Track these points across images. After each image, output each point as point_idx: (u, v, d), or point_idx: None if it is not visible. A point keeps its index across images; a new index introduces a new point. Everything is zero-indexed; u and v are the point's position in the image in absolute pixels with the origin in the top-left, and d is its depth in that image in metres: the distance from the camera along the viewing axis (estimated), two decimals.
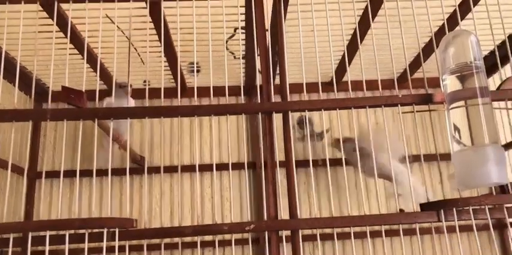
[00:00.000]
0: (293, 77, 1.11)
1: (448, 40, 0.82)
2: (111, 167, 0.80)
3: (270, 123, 0.83)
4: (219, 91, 0.85)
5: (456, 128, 0.79)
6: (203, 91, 0.95)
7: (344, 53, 1.21)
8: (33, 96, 1.32)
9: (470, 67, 0.78)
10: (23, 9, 0.87)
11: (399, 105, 0.83)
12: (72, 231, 0.70)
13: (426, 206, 0.79)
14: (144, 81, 1.38)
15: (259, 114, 0.82)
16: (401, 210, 1.33)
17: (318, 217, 0.76)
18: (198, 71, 1.36)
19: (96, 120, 0.81)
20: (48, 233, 0.69)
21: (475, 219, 0.76)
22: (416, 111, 0.84)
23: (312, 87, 0.88)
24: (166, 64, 1.23)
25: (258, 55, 0.93)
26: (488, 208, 0.76)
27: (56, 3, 0.86)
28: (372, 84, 0.88)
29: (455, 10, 0.98)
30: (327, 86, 1.39)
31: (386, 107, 0.83)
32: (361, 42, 1.01)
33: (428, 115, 0.89)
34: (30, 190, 1.28)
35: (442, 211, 0.77)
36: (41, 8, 0.89)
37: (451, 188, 0.87)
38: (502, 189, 0.79)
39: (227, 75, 0.85)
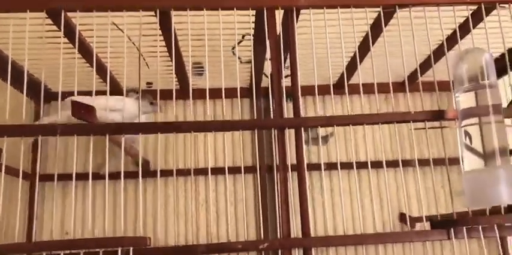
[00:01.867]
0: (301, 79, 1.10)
1: (461, 56, 0.81)
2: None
3: (282, 138, 0.82)
4: (225, 92, 0.87)
5: (468, 146, 0.79)
6: (209, 93, 0.94)
7: (355, 54, 1.20)
8: (42, 103, 1.31)
9: (483, 85, 0.78)
10: (28, 16, 0.85)
11: (411, 122, 0.83)
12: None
13: (437, 224, 0.79)
14: (148, 83, 1.37)
15: (273, 129, 0.82)
16: (402, 214, 1.34)
17: (331, 235, 0.76)
18: (202, 74, 1.34)
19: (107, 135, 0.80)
20: (62, 253, 0.69)
21: (484, 237, 0.77)
22: (429, 128, 0.84)
23: (321, 89, 0.88)
24: (171, 67, 1.21)
25: (269, 59, 0.92)
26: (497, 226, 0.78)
27: (62, 12, 0.84)
28: (383, 87, 0.88)
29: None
30: (336, 88, 1.38)
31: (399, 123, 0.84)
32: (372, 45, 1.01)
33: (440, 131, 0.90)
34: (35, 195, 1.27)
35: (452, 229, 0.78)
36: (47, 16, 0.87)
37: (460, 204, 0.87)
38: (510, 207, 0.80)
39: (234, 77, 0.84)
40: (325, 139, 1.40)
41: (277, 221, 0.77)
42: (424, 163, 0.90)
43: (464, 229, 0.78)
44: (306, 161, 0.80)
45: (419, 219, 1.04)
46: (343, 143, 1.39)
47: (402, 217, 1.33)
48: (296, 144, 0.82)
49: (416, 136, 0.91)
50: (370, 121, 0.83)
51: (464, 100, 0.80)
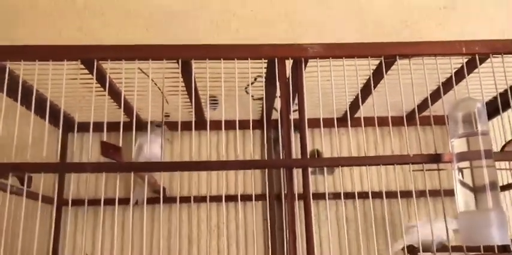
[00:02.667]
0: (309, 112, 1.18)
1: (455, 105, 0.89)
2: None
3: (290, 177, 0.90)
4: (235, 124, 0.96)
5: (462, 188, 0.86)
6: (221, 125, 1.02)
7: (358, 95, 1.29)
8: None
9: (476, 132, 0.86)
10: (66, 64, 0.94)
11: (410, 164, 0.91)
12: None
13: None
14: (166, 115, 1.46)
15: (282, 169, 0.90)
16: (409, 246, 1.38)
17: None
18: (216, 109, 1.43)
19: (132, 173, 0.89)
20: None
21: None
22: (426, 170, 0.92)
23: (326, 122, 0.97)
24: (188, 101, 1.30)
25: (279, 97, 1.00)
26: None
27: (95, 62, 0.94)
28: (382, 121, 0.96)
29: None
30: (341, 122, 1.46)
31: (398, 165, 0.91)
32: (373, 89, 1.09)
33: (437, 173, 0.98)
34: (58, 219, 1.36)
35: None
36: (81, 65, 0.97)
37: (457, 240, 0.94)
38: (504, 246, 0.87)
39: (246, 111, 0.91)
40: (331, 169, 1.47)
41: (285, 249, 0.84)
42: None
43: None
44: (311, 193, 0.88)
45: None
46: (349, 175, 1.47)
47: (410, 250, 1.39)
48: (303, 182, 0.90)
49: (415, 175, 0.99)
50: (372, 162, 0.90)
51: (459, 144, 0.88)
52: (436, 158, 0.91)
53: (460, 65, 1.05)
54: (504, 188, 1.35)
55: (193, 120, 0.99)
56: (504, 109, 1.14)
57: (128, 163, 0.88)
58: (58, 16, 1.53)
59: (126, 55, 0.92)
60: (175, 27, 1.53)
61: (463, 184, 0.85)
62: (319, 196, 1.34)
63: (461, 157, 0.86)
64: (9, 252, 0.90)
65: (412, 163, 0.91)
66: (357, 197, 1.00)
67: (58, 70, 0.93)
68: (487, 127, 0.86)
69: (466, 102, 0.89)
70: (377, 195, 1.06)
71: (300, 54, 0.96)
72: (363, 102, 1.30)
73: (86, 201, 0.91)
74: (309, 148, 1.50)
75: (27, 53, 0.90)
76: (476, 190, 0.83)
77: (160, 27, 1.53)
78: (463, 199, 0.85)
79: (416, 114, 1.01)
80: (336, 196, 1.39)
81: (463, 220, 0.83)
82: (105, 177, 0.89)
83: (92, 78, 0.97)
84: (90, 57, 0.92)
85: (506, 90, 1.13)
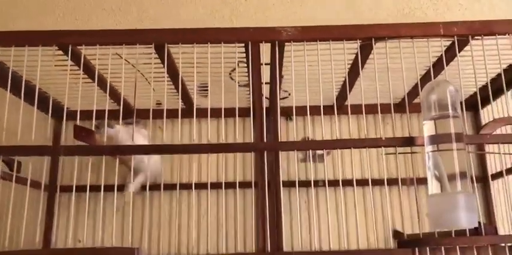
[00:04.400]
0: (297, 99, 1.18)
1: (429, 88, 0.88)
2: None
3: (262, 160, 0.90)
4: (226, 112, 0.96)
5: (432, 171, 0.85)
6: (211, 113, 1.03)
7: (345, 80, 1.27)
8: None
9: (447, 114, 0.84)
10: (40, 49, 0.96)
11: (383, 147, 0.90)
12: None
13: (403, 243, 0.85)
14: (158, 102, 1.47)
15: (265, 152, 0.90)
16: (396, 232, 1.39)
17: (312, 251, 0.83)
18: (206, 96, 1.44)
19: (103, 156, 0.90)
20: None
21: None
22: (399, 153, 0.90)
23: (315, 110, 0.96)
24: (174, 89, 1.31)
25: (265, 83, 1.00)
26: (460, 247, 0.83)
27: (70, 47, 0.95)
28: (372, 108, 0.94)
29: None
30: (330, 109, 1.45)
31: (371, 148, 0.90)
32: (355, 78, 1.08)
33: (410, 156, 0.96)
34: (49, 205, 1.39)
35: (416, 249, 0.83)
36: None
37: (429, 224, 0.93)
38: (476, 229, 0.85)
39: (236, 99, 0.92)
40: (322, 157, 1.46)
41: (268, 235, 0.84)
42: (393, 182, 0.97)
43: (428, 249, 0.83)
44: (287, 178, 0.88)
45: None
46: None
47: (396, 234, 1.38)
48: (275, 165, 0.90)
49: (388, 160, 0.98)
50: (344, 146, 0.90)
51: (430, 127, 0.86)
52: (409, 141, 0.89)
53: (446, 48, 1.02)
54: (495, 176, 1.32)
55: (180, 107, 0.99)
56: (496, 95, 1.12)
57: (99, 147, 0.89)
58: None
59: (100, 40, 0.93)
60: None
61: (434, 167, 0.84)
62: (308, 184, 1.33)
63: (432, 139, 0.85)
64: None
65: (385, 146, 0.90)
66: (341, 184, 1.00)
67: (45, 57, 0.95)
68: (458, 111, 0.84)
69: (439, 84, 0.88)
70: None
71: (274, 37, 0.95)
72: (350, 88, 1.29)
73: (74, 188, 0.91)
74: (300, 136, 1.51)
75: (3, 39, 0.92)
76: (446, 173, 0.82)
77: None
78: (433, 182, 0.83)
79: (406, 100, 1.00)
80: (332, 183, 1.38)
81: (432, 204, 0.82)
82: (104, 164, 0.89)
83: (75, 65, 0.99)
84: (65, 42, 0.93)
85: (499, 74, 1.09)
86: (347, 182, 1.21)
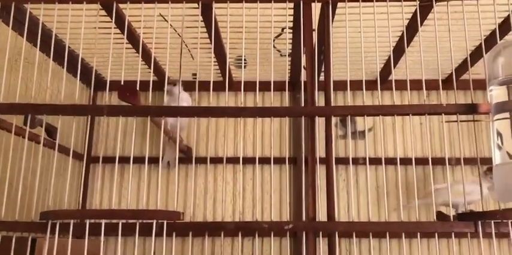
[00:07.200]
0: (338, 74, 1.12)
1: (497, 50, 0.81)
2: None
3: (312, 126, 0.85)
4: (264, 85, 0.87)
5: (500, 141, 0.79)
6: (249, 86, 0.97)
7: (390, 54, 1.21)
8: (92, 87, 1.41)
9: None
10: (84, 7, 0.93)
11: (443, 114, 0.83)
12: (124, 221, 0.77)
13: (464, 217, 0.79)
14: (194, 74, 1.43)
15: (303, 117, 0.85)
16: (439, 212, 1.32)
17: (354, 221, 0.78)
18: (245, 67, 1.39)
19: (148, 117, 0.87)
20: (103, 221, 0.76)
21: None
22: (461, 121, 0.84)
23: (356, 85, 0.88)
24: (215, 59, 1.27)
25: (303, 53, 0.95)
26: None
27: (114, 4, 0.91)
28: (417, 84, 0.87)
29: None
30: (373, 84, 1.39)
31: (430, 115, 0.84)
32: (408, 44, 1.02)
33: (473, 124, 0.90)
34: (86, 174, 1.38)
35: (479, 222, 0.77)
36: (101, 8, 0.95)
37: (492, 198, 0.87)
38: None
39: (273, 70, 0.87)
40: (363, 133, 1.40)
41: (303, 205, 0.80)
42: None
43: (492, 223, 0.77)
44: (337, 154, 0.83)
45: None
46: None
47: (440, 216, 1.32)
48: (326, 132, 0.85)
49: (448, 132, 0.92)
50: (401, 111, 0.84)
51: (499, 94, 0.80)
52: (472, 108, 0.83)
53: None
54: None
55: (211, 79, 0.95)
56: None
57: (144, 107, 0.86)
58: None
59: None
60: None
61: (501, 136, 0.78)
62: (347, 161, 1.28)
63: (500, 107, 0.79)
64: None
65: (446, 114, 0.84)
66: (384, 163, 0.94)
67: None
68: None
69: (508, 46, 0.81)
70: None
71: None
72: (396, 61, 1.22)
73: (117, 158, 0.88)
74: None
75: None
76: None
77: None
78: (499, 151, 0.77)
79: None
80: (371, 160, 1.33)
81: (498, 174, 0.76)
82: (135, 136, 0.85)
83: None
84: None
85: None
86: (388, 161, 1.13)
